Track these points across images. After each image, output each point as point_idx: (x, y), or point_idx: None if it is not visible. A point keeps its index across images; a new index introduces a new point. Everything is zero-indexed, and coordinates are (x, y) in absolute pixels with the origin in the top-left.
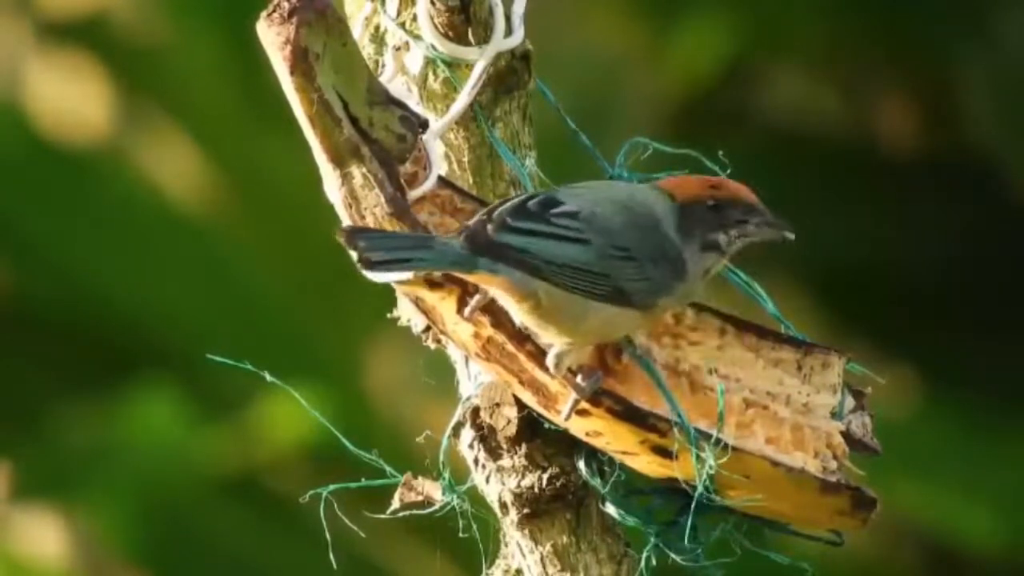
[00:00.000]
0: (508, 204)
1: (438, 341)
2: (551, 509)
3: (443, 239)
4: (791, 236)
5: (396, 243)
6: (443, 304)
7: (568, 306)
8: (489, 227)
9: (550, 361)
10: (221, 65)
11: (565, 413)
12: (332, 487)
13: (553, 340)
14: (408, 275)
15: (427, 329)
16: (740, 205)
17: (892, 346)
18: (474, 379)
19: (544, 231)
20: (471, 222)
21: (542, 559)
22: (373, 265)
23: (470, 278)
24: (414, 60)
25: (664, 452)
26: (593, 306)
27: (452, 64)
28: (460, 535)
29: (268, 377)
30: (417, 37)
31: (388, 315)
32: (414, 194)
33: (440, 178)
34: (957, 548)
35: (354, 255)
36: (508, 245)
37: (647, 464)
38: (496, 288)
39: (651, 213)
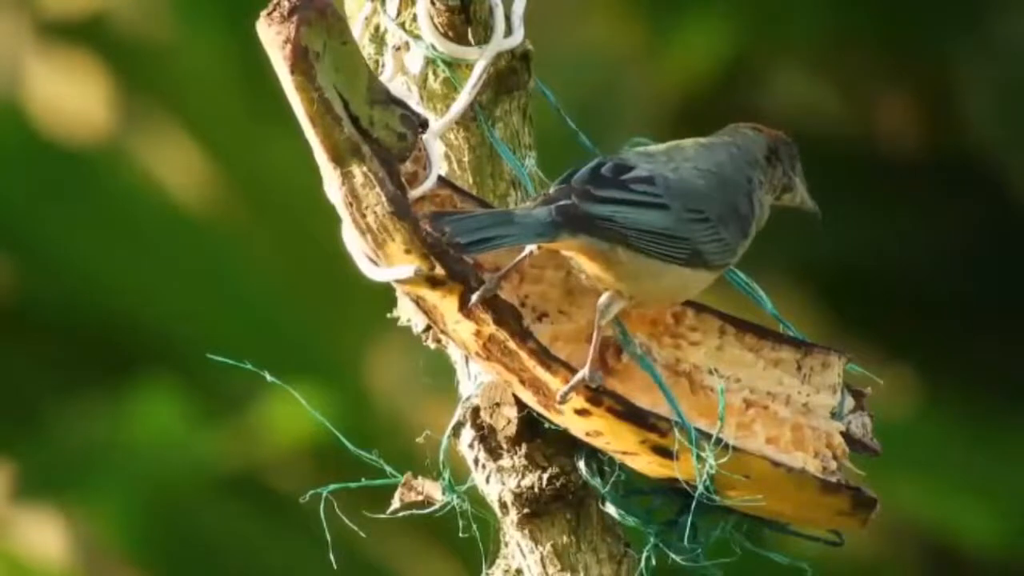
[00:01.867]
0: (581, 174)
1: (438, 341)
2: (551, 509)
3: (523, 211)
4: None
5: (480, 223)
6: (444, 303)
7: (645, 267)
8: (573, 198)
9: (601, 303)
10: (221, 64)
11: (564, 391)
12: (332, 487)
13: (613, 290)
14: (410, 272)
15: (427, 329)
16: (796, 156)
17: (892, 346)
18: (474, 379)
19: (625, 198)
20: (553, 193)
21: (542, 559)
22: (463, 247)
23: (551, 247)
24: (414, 60)
25: (664, 452)
26: (670, 268)
27: (452, 64)
28: (460, 535)
29: (268, 377)
30: (417, 37)
31: (388, 315)
32: (414, 193)
33: (440, 178)
34: (957, 548)
35: (441, 239)
36: (594, 215)
37: (647, 464)
38: (572, 251)
39: (733, 156)
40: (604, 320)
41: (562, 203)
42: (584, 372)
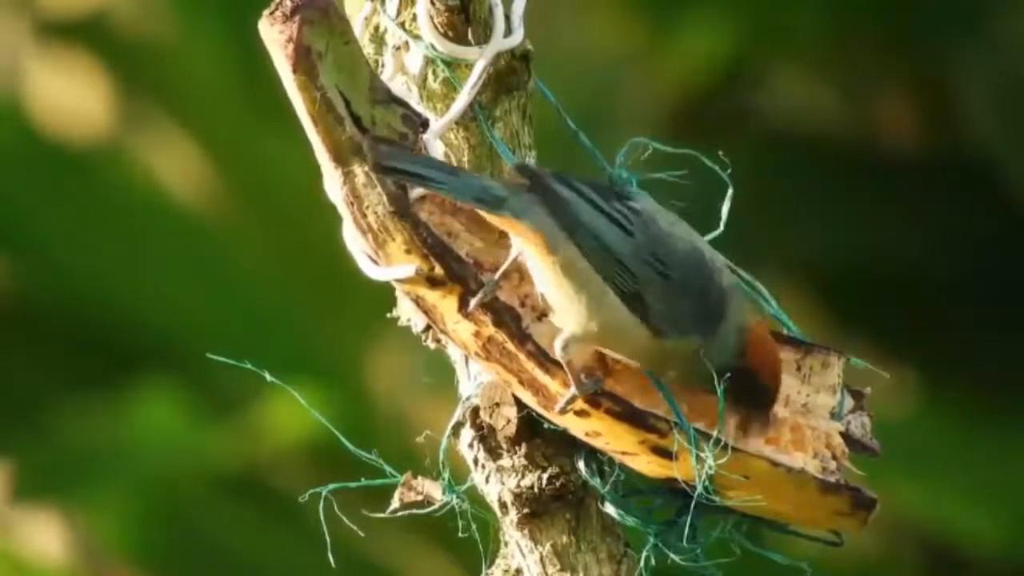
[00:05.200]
0: (585, 178)
1: (438, 341)
2: (551, 509)
3: (476, 175)
4: None
5: (418, 159)
6: (443, 303)
7: (588, 282)
8: (548, 171)
9: (557, 343)
10: (222, 63)
11: (559, 406)
12: (332, 487)
13: (563, 324)
14: (410, 272)
15: (427, 329)
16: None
17: (892, 346)
18: (474, 379)
19: (599, 204)
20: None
21: (542, 559)
22: (381, 168)
23: (493, 219)
24: (414, 60)
25: (664, 452)
26: (611, 296)
27: (452, 64)
28: (460, 535)
29: (269, 377)
30: (417, 37)
31: (388, 315)
32: (415, 193)
33: None
34: (957, 548)
35: (369, 157)
36: (554, 189)
37: (647, 464)
38: (519, 236)
39: (718, 282)
40: (564, 357)
41: (530, 168)
42: (572, 390)
